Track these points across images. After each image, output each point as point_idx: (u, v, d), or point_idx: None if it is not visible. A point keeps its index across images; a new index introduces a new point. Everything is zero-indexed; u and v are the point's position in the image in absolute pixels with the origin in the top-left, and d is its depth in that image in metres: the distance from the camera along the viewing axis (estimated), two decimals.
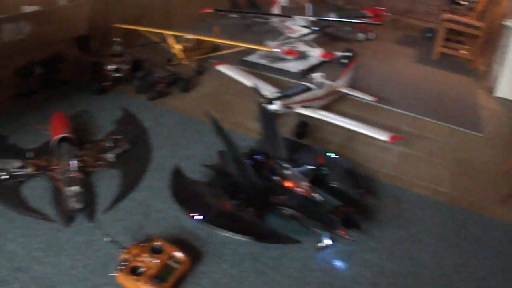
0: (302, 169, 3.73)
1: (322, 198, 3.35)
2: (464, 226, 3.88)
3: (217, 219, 3.26)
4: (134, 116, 4.94)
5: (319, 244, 3.33)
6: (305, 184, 3.47)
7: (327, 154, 4.18)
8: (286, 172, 3.61)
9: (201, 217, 3.27)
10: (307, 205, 3.33)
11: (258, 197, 3.44)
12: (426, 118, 5.81)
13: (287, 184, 3.53)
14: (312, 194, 3.37)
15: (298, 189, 3.45)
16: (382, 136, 4.51)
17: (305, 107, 4.99)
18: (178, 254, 3.07)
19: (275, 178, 3.61)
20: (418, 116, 5.84)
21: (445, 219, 3.95)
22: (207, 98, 5.73)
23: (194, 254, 3.22)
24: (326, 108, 5.27)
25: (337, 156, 4.20)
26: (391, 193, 4.18)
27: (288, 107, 4.86)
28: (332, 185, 3.79)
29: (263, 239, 3.18)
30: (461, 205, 4.15)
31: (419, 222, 3.86)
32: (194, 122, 5.00)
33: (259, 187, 3.51)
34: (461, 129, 5.69)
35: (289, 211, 3.35)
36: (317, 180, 3.68)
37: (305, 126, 4.95)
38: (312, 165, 3.81)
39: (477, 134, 5.64)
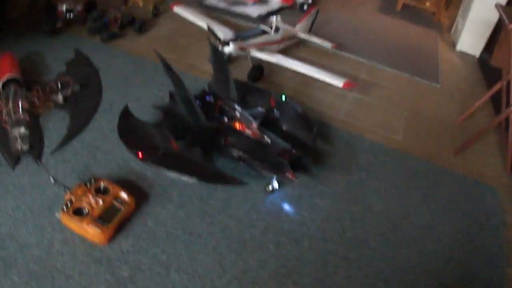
0: (252, 111, 3.60)
1: (270, 141, 3.28)
2: (415, 175, 3.88)
3: (163, 159, 3.16)
4: (86, 58, 4.66)
5: (268, 187, 3.28)
6: (254, 126, 3.38)
7: (279, 97, 4.07)
8: (235, 113, 3.50)
9: (147, 157, 3.17)
10: (255, 147, 3.26)
11: (206, 137, 3.34)
12: (385, 68, 5.72)
13: (236, 125, 3.44)
14: (261, 136, 3.29)
15: (247, 131, 3.37)
16: (336, 81, 4.42)
17: (261, 50, 4.82)
18: (123, 195, 2.97)
19: (225, 119, 3.51)
20: (377, 65, 5.74)
21: (397, 167, 3.94)
22: (162, 40, 5.47)
23: (141, 195, 3.13)
24: (283, 52, 5.09)
25: (288, 100, 4.10)
26: (344, 139, 4.13)
27: (243, 50, 4.68)
28: (283, 128, 3.71)
29: (209, 180, 3.12)
30: (414, 154, 4.15)
31: (370, 168, 3.84)
32: (147, 64, 4.77)
33: (207, 127, 3.41)
34: (419, 79, 5.64)
35: (237, 152, 3.27)
36: (267, 123, 3.59)
37: (260, 70, 4.80)
38: (263, 108, 3.70)
39: (435, 85, 5.60)
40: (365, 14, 8.00)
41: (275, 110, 3.73)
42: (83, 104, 3.94)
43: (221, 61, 4.02)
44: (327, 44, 5.62)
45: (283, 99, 4.05)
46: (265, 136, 3.29)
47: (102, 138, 3.60)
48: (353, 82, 4.65)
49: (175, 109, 3.63)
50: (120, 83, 4.35)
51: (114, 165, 3.35)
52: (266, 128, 3.49)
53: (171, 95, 3.82)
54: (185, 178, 3.08)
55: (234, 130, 3.41)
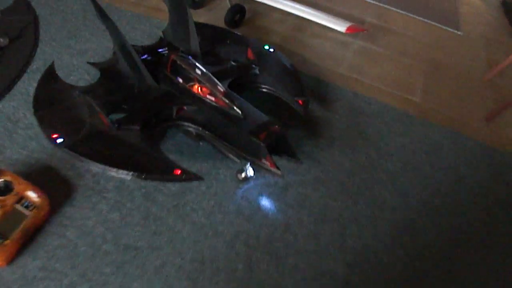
0: (219, 67, 2.52)
1: (241, 112, 2.19)
2: (438, 150, 2.85)
3: (84, 143, 2.12)
4: (26, 3, 3.60)
5: (240, 175, 2.30)
6: (220, 90, 2.28)
7: (261, 46, 2.94)
8: (195, 72, 2.37)
9: (62, 140, 2.14)
10: (220, 121, 2.19)
11: (151, 107, 2.28)
12: (397, 9, 4.51)
13: (195, 89, 2.34)
14: (230, 105, 2.22)
15: (210, 98, 2.28)
16: (338, 25, 3.28)
17: None
18: (32, 195, 2.02)
19: (179, 80, 2.41)
20: (387, 6, 4.53)
21: (416, 139, 2.89)
22: None
23: (64, 189, 2.19)
24: None
25: (273, 51, 2.95)
26: (346, 101, 3.07)
27: None
28: (263, 89, 2.61)
29: (150, 175, 2.06)
30: (436, 121, 3.09)
31: (382, 142, 2.81)
32: (105, 8, 3.62)
33: (153, 93, 2.36)
34: (437, 24, 4.44)
35: (194, 128, 2.22)
36: (241, 85, 2.52)
37: (240, 11, 3.65)
38: (236, 63, 2.61)
39: (456, 32, 4.41)
40: None
41: (253, 65, 2.62)
42: (9, 62, 2.90)
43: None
44: None
45: (266, 48, 2.93)
46: (234, 106, 2.22)
47: (25, 108, 2.58)
48: (359, 26, 3.46)
49: (115, 67, 2.58)
50: (64, 34, 3.26)
51: (34, 146, 2.37)
52: (240, 91, 2.41)
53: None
54: (115, 173, 2.05)
55: (192, 95, 2.33)
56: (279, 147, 2.14)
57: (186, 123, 2.22)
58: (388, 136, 2.86)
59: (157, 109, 2.24)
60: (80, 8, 3.60)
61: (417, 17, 4.47)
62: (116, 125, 2.11)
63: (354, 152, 2.68)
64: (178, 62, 2.40)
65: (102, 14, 2.45)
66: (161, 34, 2.93)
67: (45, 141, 2.39)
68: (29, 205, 2.00)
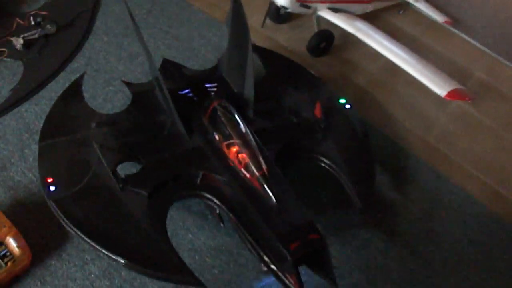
0: (275, 122, 2.04)
1: (279, 203, 1.66)
2: None
3: (80, 200, 1.69)
4: None
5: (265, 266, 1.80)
6: (262, 164, 1.73)
7: (334, 99, 2.36)
8: (238, 130, 1.85)
9: (54, 189, 1.70)
10: (250, 207, 1.69)
11: (171, 168, 1.82)
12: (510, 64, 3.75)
13: (233, 154, 1.80)
14: (265, 190, 1.68)
15: (246, 173, 1.74)
16: (438, 86, 2.64)
17: (335, 10, 3.03)
18: (13, 244, 1.69)
19: (215, 136, 1.89)
20: (500, 59, 3.70)
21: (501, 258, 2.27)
22: None
23: (54, 238, 1.88)
24: (368, 17, 3.22)
25: (349, 107, 2.34)
26: (424, 183, 2.49)
27: (306, 6, 2.93)
28: (321, 163, 2.03)
29: (145, 268, 1.57)
30: None
31: (453, 251, 2.23)
32: (173, 3, 3.20)
33: (180, 145, 1.90)
34: None
35: (219, 207, 1.75)
36: (296, 149, 2.02)
37: (327, 38, 3.08)
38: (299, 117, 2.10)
39: None
40: None
41: (319, 127, 2.07)
42: (48, 55, 2.57)
43: (242, 26, 2.16)
44: (438, 17, 3.70)
45: (342, 103, 2.35)
46: (271, 192, 1.67)
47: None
48: (463, 92, 2.75)
49: (151, 94, 2.12)
50: (120, 29, 2.89)
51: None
52: (291, 158, 1.94)
53: (165, 65, 2.37)
54: (104, 254, 1.59)
55: (225, 162, 1.82)
56: (314, 260, 1.61)
57: (209, 196, 1.75)
58: (464, 246, 2.26)
59: (178, 170, 1.79)
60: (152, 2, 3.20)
61: None
62: (120, 185, 1.68)
63: (415, 259, 2.14)
64: (219, 113, 1.91)
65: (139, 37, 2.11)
66: (214, 38, 2.50)
67: None
68: (6, 255, 1.67)
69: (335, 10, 3.02)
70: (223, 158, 1.80)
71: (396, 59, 2.80)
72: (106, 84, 2.53)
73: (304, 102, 2.22)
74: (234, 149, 1.80)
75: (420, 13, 3.93)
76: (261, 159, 1.74)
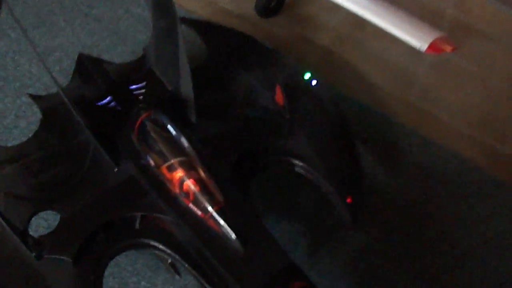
0: (227, 124, 1.54)
1: (240, 244, 1.16)
2: None
3: None
4: None
5: None
6: (217, 195, 1.22)
7: (298, 74, 1.80)
8: (180, 145, 1.32)
9: None
10: (206, 255, 1.18)
11: (98, 213, 1.25)
12: None
13: (175, 181, 1.26)
14: (224, 228, 1.17)
15: (195, 209, 1.22)
16: (416, 39, 2.18)
17: None
18: None
19: (150, 161, 1.33)
20: None
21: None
22: None
23: None
24: None
25: (315, 84, 1.77)
26: (414, 154, 2.08)
27: None
28: (295, 168, 1.52)
29: None
30: None
31: (459, 232, 1.86)
32: None
33: (107, 179, 1.33)
34: None
35: (169, 255, 1.24)
36: (258, 154, 1.50)
37: None
38: (256, 110, 1.60)
39: None
40: None
41: (283, 117, 1.57)
42: None
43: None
44: None
45: (306, 79, 1.78)
46: (231, 231, 1.16)
47: None
48: (445, 40, 2.18)
49: (65, 109, 1.43)
50: (31, 19, 2.29)
51: None
52: (254, 169, 1.46)
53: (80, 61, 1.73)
54: None
55: (168, 194, 1.26)
56: None
57: (155, 243, 1.23)
58: (469, 224, 1.89)
59: (108, 216, 1.24)
60: None
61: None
62: (34, 254, 1.14)
63: (420, 256, 1.75)
64: (149, 128, 1.37)
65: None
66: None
67: None
68: None
69: None
70: (164, 189, 1.27)
71: (361, 10, 2.30)
72: (18, 95, 1.96)
73: (260, 86, 1.68)
74: (177, 174, 1.26)
75: None
76: (213, 186, 1.24)
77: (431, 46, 2.12)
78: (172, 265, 1.31)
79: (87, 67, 1.68)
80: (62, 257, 1.15)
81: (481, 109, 2.41)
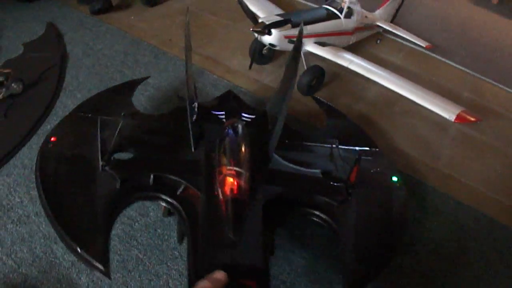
0: (296, 170, 1.71)
1: (233, 235, 1.31)
2: None
3: (59, 160, 1.59)
4: (57, 36, 2.97)
5: None
6: (244, 182, 1.45)
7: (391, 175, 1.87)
8: (240, 155, 1.56)
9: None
10: (203, 227, 1.37)
11: (158, 166, 1.59)
12: (494, 83, 3.64)
13: (222, 177, 1.47)
14: (230, 217, 1.35)
15: (221, 194, 1.43)
16: (447, 111, 2.49)
17: (322, 43, 2.87)
18: None
19: (219, 157, 1.56)
20: (484, 79, 3.68)
21: None
22: (180, 17, 3.59)
23: None
24: (350, 50, 3.05)
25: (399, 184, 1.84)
26: (447, 213, 2.25)
27: (293, 41, 2.70)
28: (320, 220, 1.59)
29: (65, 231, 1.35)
30: None
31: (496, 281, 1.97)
32: (144, 49, 3.04)
33: (176, 153, 1.71)
34: None
35: (183, 223, 1.48)
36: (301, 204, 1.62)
37: (318, 74, 2.87)
38: (326, 175, 1.73)
39: None
40: (459, 5, 5.70)
41: (347, 190, 1.62)
42: (16, 118, 2.24)
43: (293, 70, 1.89)
44: (420, 42, 3.62)
45: (392, 180, 1.84)
46: (233, 225, 1.34)
47: (24, 189, 1.92)
48: (469, 113, 2.57)
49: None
50: (94, 82, 2.61)
51: (24, 256, 1.67)
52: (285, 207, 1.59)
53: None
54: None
55: (211, 180, 1.50)
56: None
57: (179, 208, 1.47)
58: (499, 273, 2.02)
59: (165, 172, 1.53)
60: (121, 50, 2.96)
61: None
62: (102, 163, 1.50)
63: None
64: (229, 136, 1.61)
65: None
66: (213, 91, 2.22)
67: (42, 249, 1.70)
68: None
69: (321, 44, 2.86)
70: (211, 176, 1.50)
71: (396, 87, 2.63)
72: None
73: (345, 159, 1.86)
74: (228, 178, 1.46)
75: (397, 41, 3.88)
76: (243, 193, 1.43)
77: (458, 117, 2.42)
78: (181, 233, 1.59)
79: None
80: (116, 175, 1.48)
81: (502, 177, 2.64)
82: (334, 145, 1.90)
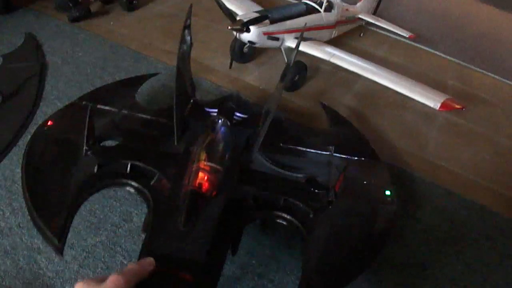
0: (278, 170, 1.68)
1: (184, 221, 1.29)
2: None
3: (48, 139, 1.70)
4: (35, 47, 2.91)
5: None
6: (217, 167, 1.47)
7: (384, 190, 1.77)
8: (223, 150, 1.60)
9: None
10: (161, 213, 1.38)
11: (137, 154, 1.60)
12: (480, 71, 3.69)
13: (195, 170, 1.45)
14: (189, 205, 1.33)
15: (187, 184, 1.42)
16: (430, 99, 2.49)
17: (303, 39, 2.79)
18: None
19: (198, 153, 1.54)
20: (470, 66, 3.71)
21: None
22: (160, 21, 3.57)
23: None
24: (335, 43, 3.07)
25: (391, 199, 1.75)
26: (437, 203, 2.24)
27: (273, 38, 2.72)
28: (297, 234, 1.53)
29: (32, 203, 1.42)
30: None
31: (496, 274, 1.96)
32: (124, 54, 3.00)
33: (158, 144, 1.74)
34: None
35: (148, 205, 1.49)
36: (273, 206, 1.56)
37: (300, 70, 2.88)
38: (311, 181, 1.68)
39: None
40: None
41: (328, 198, 1.55)
42: None
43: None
44: (403, 33, 3.62)
45: (388, 195, 1.73)
46: (185, 216, 1.30)
47: (5, 202, 1.89)
48: (453, 101, 2.56)
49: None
50: (74, 91, 2.55)
51: (7, 268, 1.64)
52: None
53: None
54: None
55: (183, 172, 1.48)
56: None
57: (148, 196, 1.47)
58: (492, 261, 2.01)
59: (142, 162, 1.54)
60: (101, 56, 2.92)
61: (505, 80, 3.63)
62: (87, 147, 1.55)
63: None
64: (213, 135, 1.64)
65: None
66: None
67: (25, 260, 1.67)
68: None
69: (302, 39, 2.84)
70: (184, 169, 1.48)
71: (379, 78, 2.62)
72: None
73: (337, 166, 1.80)
74: (201, 172, 1.45)
75: (381, 33, 3.87)
76: (211, 186, 1.41)
77: (443, 105, 2.41)
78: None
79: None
80: (95, 160, 1.52)
81: (493, 163, 2.64)
82: (328, 153, 1.87)
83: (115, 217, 1.88)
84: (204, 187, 1.39)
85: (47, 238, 1.30)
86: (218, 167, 1.46)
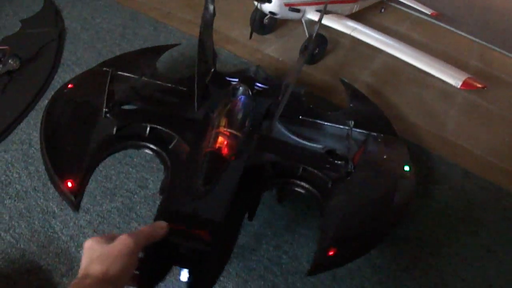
0: (299, 141, 1.65)
1: (203, 186, 1.28)
2: None
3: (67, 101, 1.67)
4: (55, 12, 2.86)
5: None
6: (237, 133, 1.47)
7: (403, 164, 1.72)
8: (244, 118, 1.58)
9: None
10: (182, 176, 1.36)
11: (157, 119, 1.60)
12: (504, 52, 3.54)
13: (214, 134, 1.45)
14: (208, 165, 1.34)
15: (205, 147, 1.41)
16: (452, 77, 2.39)
17: (325, 12, 2.65)
18: None
19: (218, 119, 1.54)
20: (493, 47, 3.57)
21: None
22: None
23: None
24: (355, 18, 2.90)
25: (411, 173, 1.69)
26: (454, 183, 2.18)
27: (295, 9, 2.64)
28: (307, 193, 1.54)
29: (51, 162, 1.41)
30: None
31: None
32: (143, 22, 2.94)
33: (178, 110, 1.72)
34: None
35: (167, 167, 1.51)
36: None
37: (321, 43, 2.80)
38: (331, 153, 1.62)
39: None
40: None
41: (346, 169, 1.53)
42: (13, 94, 2.18)
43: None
44: (425, 10, 3.50)
45: (405, 169, 1.69)
46: (205, 176, 1.30)
47: (22, 164, 1.87)
48: (475, 80, 2.44)
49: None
50: (92, 57, 2.52)
51: (23, 231, 1.64)
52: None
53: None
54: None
55: (202, 138, 1.48)
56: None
57: (170, 164, 1.46)
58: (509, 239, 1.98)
59: (161, 125, 1.55)
60: (120, 23, 2.87)
61: None
62: (105, 109, 1.55)
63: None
64: (232, 101, 1.63)
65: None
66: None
67: (40, 223, 1.66)
68: None
69: (324, 12, 2.75)
70: (203, 134, 1.48)
71: (401, 54, 2.53)
72: None
73: (356, 140, 1.75)
74: (220, 136, 1.44)
75: (401, 10, 3.76)
76: (230, 149, 1.40)
77: (464, 83, 2.33)
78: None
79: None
80: (115, 122, 1.53)
81: (510, 145, 2.56)
82: (348, 127, 1.81)
83: (131, 183, 1.86)
84: (223, 151, 1.37)
85: (63, 194, 1.31)
86: (238, 133, 1.44)
